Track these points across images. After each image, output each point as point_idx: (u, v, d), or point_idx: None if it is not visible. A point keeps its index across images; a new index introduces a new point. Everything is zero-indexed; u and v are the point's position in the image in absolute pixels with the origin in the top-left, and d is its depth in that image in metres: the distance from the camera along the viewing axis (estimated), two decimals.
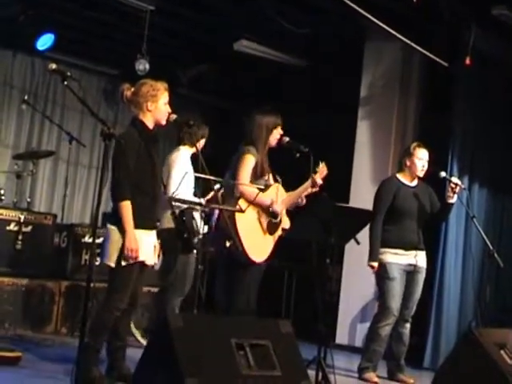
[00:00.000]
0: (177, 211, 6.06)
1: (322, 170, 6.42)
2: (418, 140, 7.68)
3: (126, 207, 5.27)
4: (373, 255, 6.79)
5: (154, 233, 5.58)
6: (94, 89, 10.61)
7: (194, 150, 6.94)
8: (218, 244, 6.20)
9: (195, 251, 6.65)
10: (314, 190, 6.32)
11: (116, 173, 5.33)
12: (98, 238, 6.51)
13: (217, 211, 6.72)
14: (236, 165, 6.23)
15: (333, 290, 8.55)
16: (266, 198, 6.18)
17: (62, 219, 8.58)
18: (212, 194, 6.47)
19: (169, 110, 5.57)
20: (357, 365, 7.00)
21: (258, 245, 6.14)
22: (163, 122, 5.59)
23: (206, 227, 6.82)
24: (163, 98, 5.53)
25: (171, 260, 6.80)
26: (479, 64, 7.93)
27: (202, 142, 7.09)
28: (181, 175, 6.41)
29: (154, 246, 5.57)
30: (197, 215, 6.63)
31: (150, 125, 5.53)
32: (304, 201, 6.39)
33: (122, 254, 5.29)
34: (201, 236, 6.76)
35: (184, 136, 7.00)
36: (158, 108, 5.51)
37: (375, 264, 6.78)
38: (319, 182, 6.32)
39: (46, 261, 7.90)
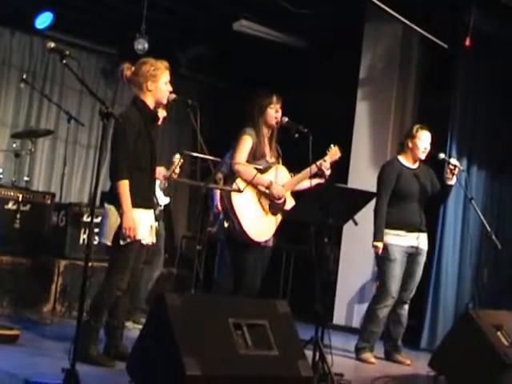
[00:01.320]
0: None
1: (334, 152, 6.39)
2: (417, 122, 7.66)
3: (124, 186, 5.27)
4: (378, 235, 6.77)
5: (151, 212, 5.58)
6: (92, 68, 10.55)
7: None
8: (219, 225, 6.23)
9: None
10: (323, 177, 6.27)
11: (115, 151, 5.33)
12: (97, 217, 6.48)
13: (218, 193, 6.75)
14: (234, 146, 6.25)
15: (331, 270, 8.57)
16: (264, 178, 6.19)
17: (61, 198, 8.56)
18: (173, 166, 6.65)
19: (170, 89, 5.55)
20: (354, 345, 7.03)
21: (257, 224, 6.14)
22: (164, 101, 5.58)
23: (168, 199, 6.93)
24: (163, 77, 5.50)
25: None
26: (479, 45, 7.90)
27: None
28: None
29: (151, 226, 5.57)
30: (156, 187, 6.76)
31: (151, 104, 5.52)
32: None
33: (120, 234, 5.30)
34: (161, 207, 6.87)
35: None
36: (158, 88, 5.49)
37: (380, 244, 6.76)
38: (327, 165, 6.27)
39: (44, 240, 7.92)
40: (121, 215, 5.28)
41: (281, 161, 6.46)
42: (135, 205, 5.33)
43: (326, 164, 6.30)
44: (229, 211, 6.04)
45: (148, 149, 5.46)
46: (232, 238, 6.14)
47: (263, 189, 6.20)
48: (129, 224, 5.27)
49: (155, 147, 5.56)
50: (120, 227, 5.29)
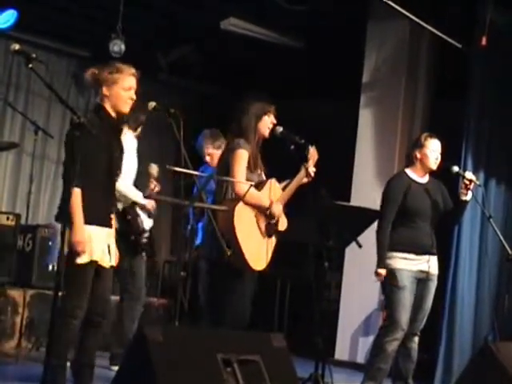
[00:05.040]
0: (120, 208, 6.04)
1: (313, 155, 6.34)
2: (427, 130, 7.68)
3: (74, 196, 5.21)
4: (381, 262, 6.74)
5: (107, 231, 5.51)
6: (62, 73, 10.57)
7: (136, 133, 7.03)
8: (216, 252, 6.01)
9: (144, 253, 6.71)
10: (308, 180, 6.25)
11: (65, 159, 5.31)
12: None
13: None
14: (228, 162, 6.15)
15: (332, 298, 8.57)
16: (264, 198, 6.15)
17: (27, 220, 8.54)
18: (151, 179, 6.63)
19: (132, 96, 5.50)
20: (358, 383, 7.01)
21: (257, 251, 6.07)
22: (124, 110, 5.49)
23: (151, 221, 6.86)
24: (124, 82, 5.45)
25: (123, 265, 6.70)
26: (497, 45, 7.94)
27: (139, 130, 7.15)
28: (130, 164, 6.42)
29: (109, 246, 5.50)
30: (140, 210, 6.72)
31: (112, 112, 5.50)
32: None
33: (70, 252, 5.22)
34: (147, 234, 6.80)
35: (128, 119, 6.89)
36: (115, 94, 5.45)
37: (383, 271, 6.74)
38: (312, 170, 6.26)
39: (8, 267, 7.89)
40: (70, 228, 5.21)
41: (263, 174, 6.42)
42: (86, 220, 5.29)
43: (310, 171, 6.27)
44: (229, 238, 5.89)
45: (105, 161, 5.44)
46: (229, 266, 6.00)
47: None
48: (77, 237, 5.21)
49: (114, 160, 5.53)
50: (69, 244, 5.21)
